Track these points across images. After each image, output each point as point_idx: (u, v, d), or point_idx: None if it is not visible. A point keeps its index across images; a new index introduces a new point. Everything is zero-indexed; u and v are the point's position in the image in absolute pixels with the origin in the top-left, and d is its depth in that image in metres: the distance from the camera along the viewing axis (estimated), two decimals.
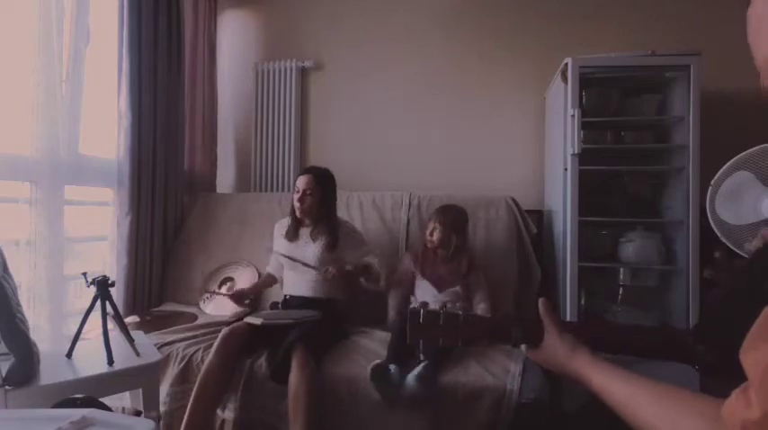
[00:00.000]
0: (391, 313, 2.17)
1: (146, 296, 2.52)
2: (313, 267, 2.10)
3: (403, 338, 1.80)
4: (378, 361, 1.70)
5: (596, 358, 0.78)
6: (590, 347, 0.82)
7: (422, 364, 1.70)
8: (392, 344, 1.85)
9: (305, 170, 2.25)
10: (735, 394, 0.50)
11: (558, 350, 0.84)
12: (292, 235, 2.21)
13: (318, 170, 2.23)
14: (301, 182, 2.16)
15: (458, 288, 2.11)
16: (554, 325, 0.87)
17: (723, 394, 0.52)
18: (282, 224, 2.29)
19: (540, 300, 0.90)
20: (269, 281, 2.33)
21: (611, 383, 0.71)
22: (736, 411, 0.48)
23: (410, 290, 2.19)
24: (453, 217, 2.19)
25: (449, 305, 0.93)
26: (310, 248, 2.15)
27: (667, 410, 0.61)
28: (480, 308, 2.09)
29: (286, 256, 2.16)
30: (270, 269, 2.33)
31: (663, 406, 0.62)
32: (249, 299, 2.21)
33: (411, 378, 1.66)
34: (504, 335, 0.91)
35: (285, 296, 2.21)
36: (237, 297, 2.14)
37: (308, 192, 2.14)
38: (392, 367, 1.72)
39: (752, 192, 1.81)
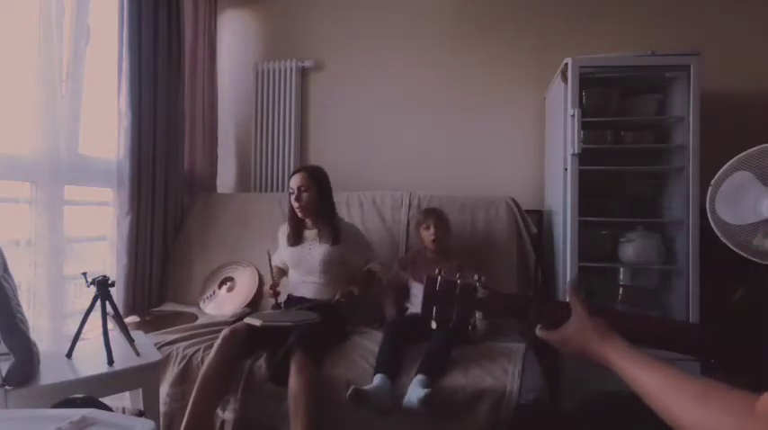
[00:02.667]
0: (388, 316, 2.19)
1: (146, 296, 2.52)
2: (319, 300, 2.09)
3: (394, 345, 1.82)
4: (353, 387, 1.62)
5: (627, 345, 0.77)
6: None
7: (419, 381, 1.67)
8: (383, 352, 1.83)
9: (296, 169, 2.23)
10: None
11: (586, 331, 0.82)
12: (294, 239, 2.19)
13: (309, 166, 2.22)
14: (295, 180, 2.15)
15: None
16: (583, 306, 0.85)
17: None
18: (285, 230, 2.27)
19: (569, 282, 0.90)
20: (280, 273, 2.26)
21: (642, 373, 0.71)
22: None
23: (405, 296, 2.21)
24: (445, 216, 2.26)
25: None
26: (316, 251, 2.14)
27: (696, 404, 0.61)
28: None
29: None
30: (277, 263, 2.29)
31: (692, 399, 0.62)
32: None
33: (411, 400, 1.62)
34: (520, 312, 0.90)
35: (288, 295, 2.20)
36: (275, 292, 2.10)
37: (302, 188, 2.12)
38: (379, 378, 1.69)
39: (752, 192, 1.82)
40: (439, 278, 0.90)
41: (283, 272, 2.28)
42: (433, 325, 0.88)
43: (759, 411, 0.50)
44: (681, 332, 0.94)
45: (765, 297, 0.74)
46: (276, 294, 2.09)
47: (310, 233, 2.20)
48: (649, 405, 0.68)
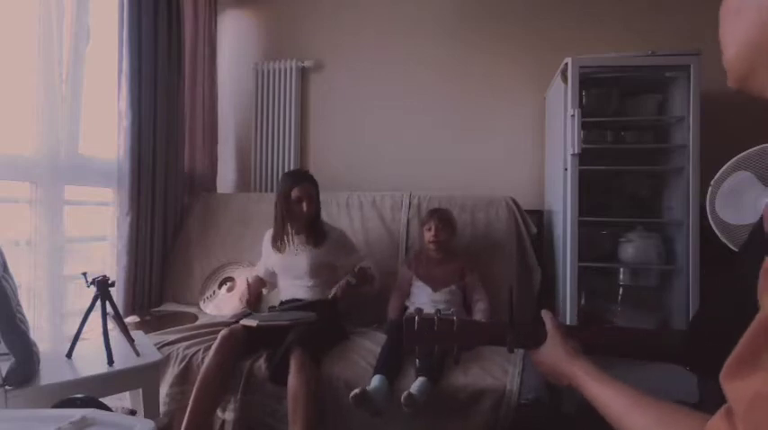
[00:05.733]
0: (390, 317, 2.19)
1: (146, 296, 2.52)
2: (318, 299, 2.09)
3: (395, 347, 1.82)
4: (356, 390, 1.62)
5: (595, 367, 0.80)
6: (589, 353, 0.84)
7: (418, 381, 1.67)
8: (383, 353, 1.83)
9: (301, 177, 2.18)
10: (720, 418, 0.49)
11: (559, 354, 0.85)
12: (281, 246, 2.17)
13: (310, 174, 2.22)
14: (303, 190, 2.11)
15: (453, 287, 2.13)
16: (558, 329, 0.88)
17: (721, 396, 0.51)
18: (270, 236, 2.24)
19: (543, 311, 0.93)
20: (259, 284, 2.27)
21: (606, 395, 0.73)
22: None
23: (407, 294, 2.21)
24: (449, 217, 2.25)
25: (443, 308, 0.95)
26: (302, 256, 2.14)
27: (651, 421, 0.64)
28: (479, 308, 2.10)
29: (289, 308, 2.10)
30: (258, 273, 2.30)
31: (653, 423, 0.64)
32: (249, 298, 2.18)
33: (407, 398, 1.61)
34: (499, 340, 0.93)
35: (281, 301, 2.20)
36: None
37: (311, 199, 2.13)
38: (377, 379, 1.68)
39: (752, 192, 1.82)
40: (416, 317, 0.92)
41: (263, 283, 2.28)
42: (417, 362, 0.92)
43: None
44: (654, 340, 0.95)
45: (740, 298, 0.74)
46: (248, 304, 2.14)
47: (297, 238, 2.18)
48: (613, 426, 0.70)
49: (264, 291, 2.31)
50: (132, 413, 1.51)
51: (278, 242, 2.17)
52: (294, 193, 2.12)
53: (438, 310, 0.94)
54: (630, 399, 0.69)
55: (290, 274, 2.17)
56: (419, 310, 0.95)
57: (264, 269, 2.28)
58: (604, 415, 0.72)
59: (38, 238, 1.94)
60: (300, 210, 2.11)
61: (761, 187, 1.81)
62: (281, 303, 2.18)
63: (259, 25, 3.19)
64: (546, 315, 0.92)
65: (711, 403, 0.59)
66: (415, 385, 1.65)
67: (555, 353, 0.86)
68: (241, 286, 2.31)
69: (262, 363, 1.83)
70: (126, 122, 2.36)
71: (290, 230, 2.18)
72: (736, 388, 0.46)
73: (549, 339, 0.88)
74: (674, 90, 2.33)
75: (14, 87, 1.94)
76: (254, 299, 2.20)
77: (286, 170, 3.04)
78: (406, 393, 1.61)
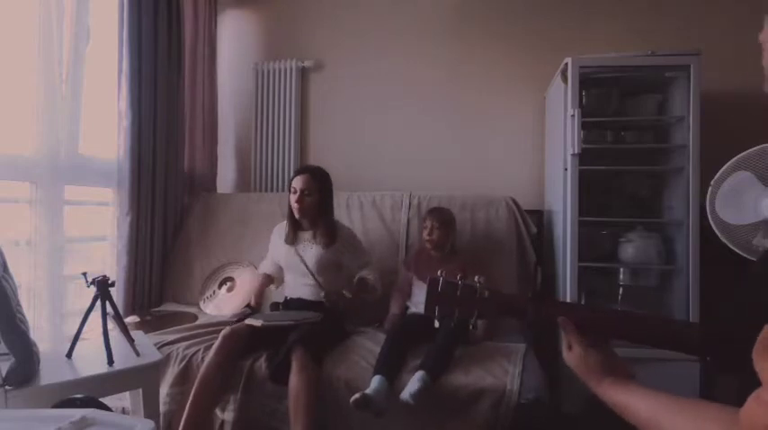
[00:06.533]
0: (390, 315, 2.19)
1: (146, 296, 2.52)
2: (317, 301, 2.09)
3: (395, 346, 1.82)
4: (356, 395, 1.62)
5: (621, 380, 0.81)
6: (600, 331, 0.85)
7: (418, 376, 1.67)
8: (383, 352, 1.83)
9: (301, 169, 2.19)
10: (752, 400, 0.51)
11: (589, 362, 0.85)
12: (292, 238, 2.18)
13: (315, 169, 2.20)
14: (299, 182, 2.11)
15: None
16: (582, 345, 0.87)
17: (726, 390, 0.53)
18: (281, 227, 2.24)
19: (560, 319, 0.90)
20: (267, 281, 2.28)
21: (635, 399, 0.75)
22: (757, 416, 0.50)
23: (408, 294, 2.21)
24: (448, 217, 2.24)
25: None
26: (309, 253, 2.13)
27: (687, 420, 0.65)
28: None
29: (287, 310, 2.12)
30: (265, 270, 2.30)
31: (682, 416, 0.66)
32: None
33: (404, 395, 1.62)
34: (519, 313, 0.93)
35: (285, 298, 2.20)
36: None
37: (306, 192, 2.10)
38: (377, 380, 1.68)
39: (752, 192, 1.82)
40: (441, 279, 0.93)
41: (270, 279, 2.28)
42: (436, 324, 0.92)
43: (742, 421, 0.53)
44: (677, 331, 0.95)
45: (759, 296, 0.75)
46: (257, 304, 2.14)
47: (305, 234, 2.18)
48: (642, 428, 0.72)
49: (273, 287, 2.30)
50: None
51: (287, 236, 2.18)
52: (292, 185, 2.14)
53: (463, 276, 0.95)
54: (662, 403, 0.70)
55: (296, 271, 2.16)
56: (443, 272, 0.95)
57: (271, 263, 2.29)
58: (634, 421, 0.73)
59: (38, 238, 1.94)
60: (298, 201, 2.10)
61: (761, 187, 1.81)
62: (286, 300, 2.19)
63: (259, 25, 3.19)
64: (564, 323, 0.90)
65: (720, 399, 0.61)
66: (417, 377, 1.66)
67: (582, 366, 0.86)
68: (251, 286, 2.32)
69: (262, 363, 1.83)
70: (126, 122, 2.36)
71: (297, 226, 2.18)
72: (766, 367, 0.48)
73: (576, 350, 0.87)
74: (674, 90, 2.33)
75: (14, 87, 1.94)
76: (260, 299, 2.19)
77: (286, 170, 3.05)
78: (408, 389, 1.62)
